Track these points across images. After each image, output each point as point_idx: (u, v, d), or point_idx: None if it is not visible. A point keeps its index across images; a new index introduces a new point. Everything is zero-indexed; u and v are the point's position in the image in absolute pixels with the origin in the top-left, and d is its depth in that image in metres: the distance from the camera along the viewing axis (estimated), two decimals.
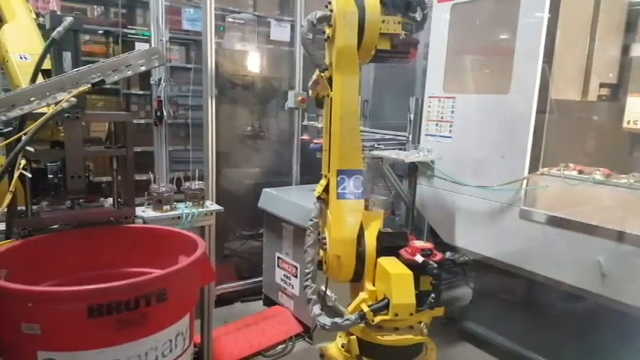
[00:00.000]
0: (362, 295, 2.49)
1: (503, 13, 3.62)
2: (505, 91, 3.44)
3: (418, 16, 2.54)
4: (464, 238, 3.87)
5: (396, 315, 2.30)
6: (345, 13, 2.37)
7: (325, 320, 2.47)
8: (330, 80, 2.48)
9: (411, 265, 2.35)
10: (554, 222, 3.23)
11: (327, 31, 2.47)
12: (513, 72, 3.39)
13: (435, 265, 2.33)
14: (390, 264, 2.39)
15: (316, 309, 2.56)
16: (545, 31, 3.21)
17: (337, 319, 2.42)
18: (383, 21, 2.43)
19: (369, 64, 2.72)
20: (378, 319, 2.33)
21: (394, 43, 2.51)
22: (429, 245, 2.45)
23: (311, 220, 2.63)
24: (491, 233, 3.63)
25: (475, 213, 3.72)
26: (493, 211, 3.59)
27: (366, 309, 2.35)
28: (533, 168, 3.40)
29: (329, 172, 2.55)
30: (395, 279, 2.31)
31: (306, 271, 2.63)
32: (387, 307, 2.32)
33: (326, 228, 2.63)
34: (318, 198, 2.63)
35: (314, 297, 2.60)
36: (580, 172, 3.23)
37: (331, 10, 2.42)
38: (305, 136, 4.76)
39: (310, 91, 2.71)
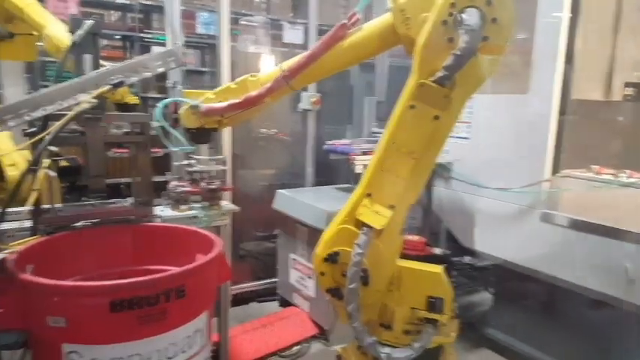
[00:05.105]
0: (396, 308, 2.30)
1: (520, 11, 3.57)
2: (524, 91, 3.37)
3: None
4: (483, 242, 3.79)
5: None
6: None
7: (405, 352, 2.21)
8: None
9: (428, 259, 2.33)
10: (577, 225, 3.12)
11: None
12: (532, 71, 3.32)
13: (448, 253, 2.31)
14: (414, 263, 2.31)
15: (383, 350, 2.23)
16: (567, 30, 3.15)
17: (417, 344, 2.23)
18: None
19: (384, 63, 2.56)
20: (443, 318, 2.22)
21: None
22: (424, 239, 2.43)
23: (357, 255, 2.04)
24: (512, 237, 3.55)
25: (495, 216, 3.64)
26: (513, 214, 3.50)
27: (437, 316, 2.19)
28: (555, 170, 3.30)
29: (398, 201, 2.06)
30: (443, 277, 2.21)
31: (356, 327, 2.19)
32: (442, 307, 2.21)
33: (372, 263, 2.14)
34: (365, 225, 2.06)
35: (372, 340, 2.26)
36: (601, 173, 3.14)
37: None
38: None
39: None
